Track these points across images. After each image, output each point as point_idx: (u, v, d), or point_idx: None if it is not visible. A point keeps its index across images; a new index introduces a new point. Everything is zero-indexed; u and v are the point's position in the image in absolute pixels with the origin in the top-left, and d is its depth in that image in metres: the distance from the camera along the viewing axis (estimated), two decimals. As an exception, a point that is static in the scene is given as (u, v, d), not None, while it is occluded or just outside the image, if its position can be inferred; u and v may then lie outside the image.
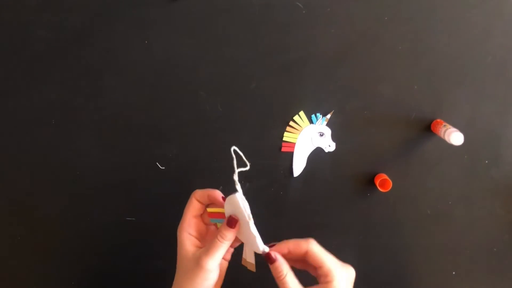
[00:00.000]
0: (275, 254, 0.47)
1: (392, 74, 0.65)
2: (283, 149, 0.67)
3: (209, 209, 0.51)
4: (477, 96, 0.65)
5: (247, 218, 0.46)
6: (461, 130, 0.59)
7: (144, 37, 0.64)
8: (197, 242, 0.50)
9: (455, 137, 0.58)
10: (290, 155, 0.67)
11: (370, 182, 0.68)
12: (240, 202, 0.46)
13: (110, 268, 0.70)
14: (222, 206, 0.49)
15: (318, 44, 0.64)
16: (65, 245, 0.70)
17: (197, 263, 0.47)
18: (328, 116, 0.66)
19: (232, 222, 0.47)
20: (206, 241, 0.51)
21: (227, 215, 0.49)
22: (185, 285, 0.48)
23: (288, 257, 0.48)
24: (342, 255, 0.70)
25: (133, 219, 0.69)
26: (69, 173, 0.67)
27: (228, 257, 0.52)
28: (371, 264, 0.70)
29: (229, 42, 0.64)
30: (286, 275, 0.47)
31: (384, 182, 0.65)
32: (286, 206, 0.69)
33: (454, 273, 0.70)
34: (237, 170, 0.46)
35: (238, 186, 0.46)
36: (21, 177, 0.68)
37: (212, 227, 0.53)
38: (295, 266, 0.50)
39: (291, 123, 0.67)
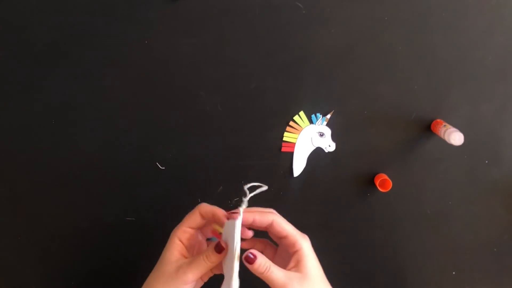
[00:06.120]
0: (254, 253, 0.46)
1: (392, 74, 0.65)
2: (283, 149, 0.67)
3: (215, 226, 0.50)
4: (477, 96, 0.65)
5: (234, 252, 0.44)
6: (461, 130, 0.58)
7: (144, 37, 0.64)
8: (184, 250, 0.50)
9: (455, 137, 0.58)
10: (290, 155, 0.67)
11: (370, 182, 0.68)
12: (236, 232, 0.45)
13: (110, 268, 0.70)
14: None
15: (318, 44, 0.64)
16: (65, 245, 0.69)
17: (178, 271, 0.47)
18: (328, 116, 0.66)
19: (219, 248, 0.47)
20: (192, 253, 0.51)
21: (223, 238, 0.48)
22: (157, 286, 0.48)
23: (254, 226, 0.49)
24: (342, 255, 0.70)
25: (133, 219, 0.69)
26: (69, 173, 0.67)
27: (205, 278, 0.51)
28: (371, 264, 0.70)
29: (229, 42, 0.64)
30: (269, 267, 0.46)
31: (384, 182, 0.65)
32: (286, 206, 0.68)
33: (454, 273, 0.70)
34: (245, 201, 0.47)
35: (241, 210, 0.46)
36: (21, 177, 0.68)
37: (205, 243, 0.53)
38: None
39: (291, 123, 0.67)
